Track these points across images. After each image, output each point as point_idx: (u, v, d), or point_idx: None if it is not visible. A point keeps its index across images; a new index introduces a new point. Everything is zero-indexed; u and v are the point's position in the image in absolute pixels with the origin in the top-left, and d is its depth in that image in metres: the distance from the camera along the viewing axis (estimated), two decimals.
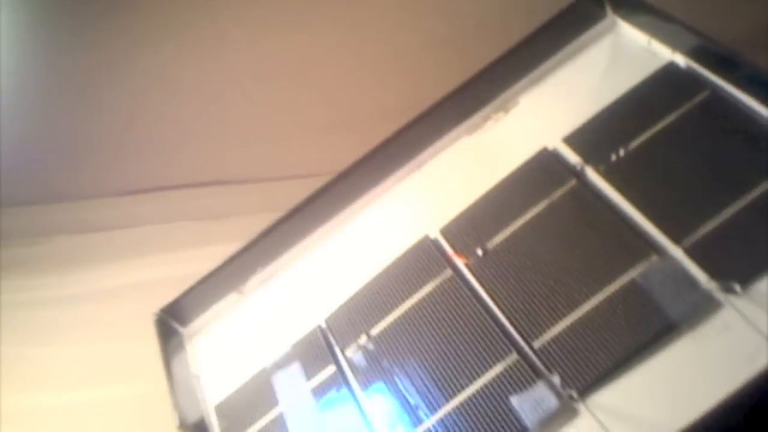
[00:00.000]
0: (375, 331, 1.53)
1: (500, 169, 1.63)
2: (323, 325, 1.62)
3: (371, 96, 1.73)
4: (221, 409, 1.62)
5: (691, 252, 1.35)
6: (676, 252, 1.37)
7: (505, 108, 1.76)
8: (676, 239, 1.38)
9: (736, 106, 1.50)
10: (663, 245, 1.38)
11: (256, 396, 1.60)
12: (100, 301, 2.20)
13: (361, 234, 1.74)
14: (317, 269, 1.74)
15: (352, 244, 1.73)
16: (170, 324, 1.74)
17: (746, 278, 1.28)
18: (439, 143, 1.76)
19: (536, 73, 1.76)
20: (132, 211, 2.37)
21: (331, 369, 1.53)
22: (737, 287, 1.26)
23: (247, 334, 1.73)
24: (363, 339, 1.54)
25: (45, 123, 2.29)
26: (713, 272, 1.30)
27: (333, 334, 1.59)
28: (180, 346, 1.75)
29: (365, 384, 1.48)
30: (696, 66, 1.58)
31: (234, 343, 1.74)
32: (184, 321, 1.76)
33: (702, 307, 1.28)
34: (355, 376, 1.50)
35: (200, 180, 2.29)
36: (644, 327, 1.31)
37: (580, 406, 1.28)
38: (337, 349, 1.57)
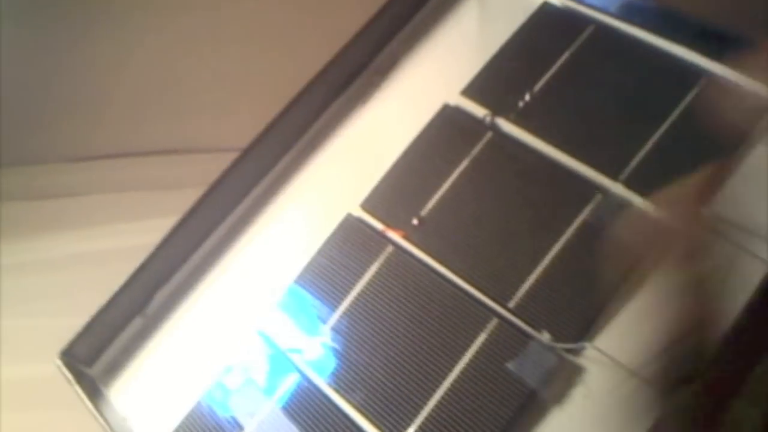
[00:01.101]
0: (329, 324, 1.31)
1: (401, 133, 1.46)
2: (263, 331, 1.37)
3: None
4: None
5: (630, 184, 1.29)
6: (616, 187, 1.30)
7: (384, 71, 1.58)
8: (612, 174, 1.30)
9: (621, 36, 1.43)
10: (601, 183, 1.31)
11: (209, 424, 1.31)
12: (48, 271, 1.98)
13: (270, 225, 1.48)
14: (233, 274, 1.46)
15: (264, 239, 1.47)
16: (76, 367, 1.47)
17: None
18: (327, 118, 1.54)
19: (407, 30, 1.59)
20: (82, 178, 2.13)
21: (293, 377, 1.29)
22: None
23: (166, 361, 1.40)
24: (318, 335, 1.32)
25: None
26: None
27: (280, 335, 1.35)
28: (94, 388, 1.47)
29: (338, 386, 1.27)
30: (571, 3, 1.52)
31: (153, 373, 1.40)
32: (89, 361, 1.49)
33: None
34: (323, 378, 1.28)
35: (154, 148, 2.05)
36: (615, 263, 1.22)
37: (579, 358, 1.19)
38: (292, 354, 1.32)
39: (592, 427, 1.14)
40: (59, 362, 1.34)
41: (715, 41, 1.35)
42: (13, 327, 1.86)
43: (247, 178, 1.47)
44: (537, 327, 1.22)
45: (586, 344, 1.17)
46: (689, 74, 1.35)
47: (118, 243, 1.78)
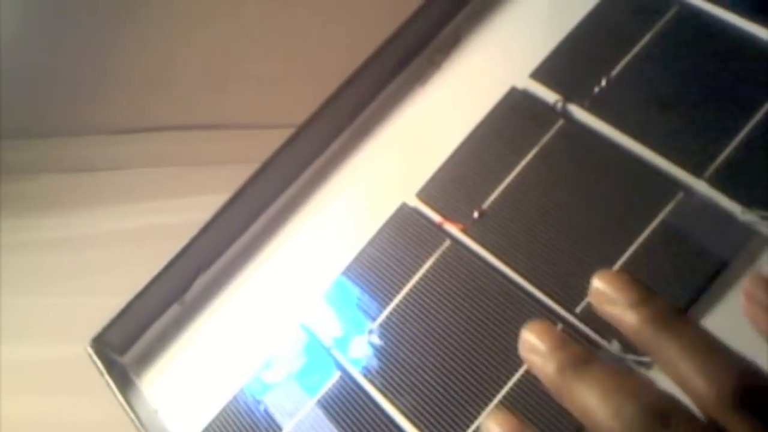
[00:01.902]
0: (377, 321, 1.25)
1: (462, 118, 1.37)
2: (306, 324, 1.30)
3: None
4: None
5: (715, 183, 1.19)
6: (700, 185, 1.20)
7: (446, 50, 1.49)
8: (696, 171, 1.21)
9: (708, 20, 1.32)
10: (683, 179, 1.21)
11: (244, 422, 1.27)
12: (86, 247, 1.93)
13: (319, 212, 1.41)
14: (278, 262, 1.39)
15: (312, 226, 1.40)
16: (107, 355, 1.42)
17: None
18: (383, 100, 1.45)
19: (473, 6, 1.49)
20: (125, 151, 2.08)
21: (336, 375, 1.23)
22: None
23: (203, 353, 1.34)
24: (366, 333, 1.26)
25: (38, 55, 1.98)
26: (746, 201, 1.16)
27: (324, 330, 1.29)
28: (125, 378, 1.42)
29: (384, 388, 1.20)
30: None
31: (188, 364, 1.35)
32: (122, 349, 1.44)
33: (746, 241, 1.14)
34: (369, 380, 1.21)
35: (199, 123, 2.01)
36: (695, 270, 1.14)
37: (650, 371, 1.08)
38: (336, 351, 1.26)
39: None
40: (90, 350, 1.29)
41: None
42: (48, 305, 1.84)
43: (297, 160, 1.41)
44: (606, 336, 1.13)
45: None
46: None
47: (158, 220, 1.76)
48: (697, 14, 1.33)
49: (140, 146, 2.08)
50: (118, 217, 1.97)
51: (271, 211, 1.41)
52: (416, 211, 1.32)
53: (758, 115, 1.22)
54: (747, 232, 1.15)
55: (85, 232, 1.98)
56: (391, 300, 1.25)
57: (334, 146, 1.43)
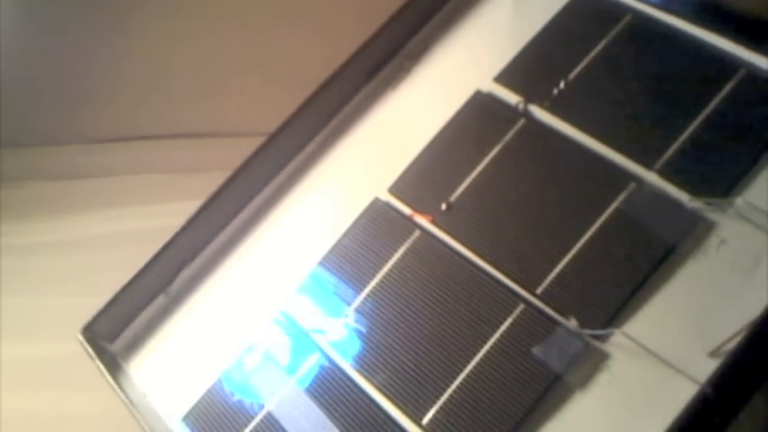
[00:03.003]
0: (353, 306, 1.38)
1: (431, 118, 1.52)
2: (286, 312, 1.43)
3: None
4: (191, 421, 1.39)
5: (665, 174, 1.34)
6: (650, 176, 1.35)
7: (415, 56, 1.64)
8: (647, 164, 1.36)
9: (659, 26, 1.48)
10: (635, 172, 1.36)
11: (229, 401, 1.38)
12: (72, 251, 2.08)
13: (296, 208, 1.55)
14: (258, 254, 1.53)
15: (290, 221, 1.54)
16: (98, 343, 1.53)
17: (725, 190, 1.30)
18: (356, 102, 1.61)
19: (440, 16, 1.66)
20: (107, 159, 2.23)
21: (315, 357, 1.35)
22: (721, 201, 1.28)
23: (187, 340, 1.47)
24: (342, 317, 1.38)
25: (22, 65, 2.12)
26: (693, 190, 1.31)
27: (303, 315, 1.42)
28: (115, 364, 1.52)
29: (360, 367, 1.33)
30: None
31: (174, 351, 1.47)
32: (111, 337, 1.54)
33: (693, 226, 1.28)
34: (345, 359, 1.34)
35: (179, 131, 2.15)
36: (644, 254, 1.28)
37: (605, 344, 1.24)
38: (315, 334, 1.38)
39: (616, 412, 1.19)
40: (81, 338, 1.41)
41: (755, 31, 1.39)
42: (37, 306, 1.97)
43: (274, 160, 1.55)
44: (565, 313, 1.28)
45: (615, 330, 1.22)
46: (727, 65, 1.41)
47: (142, 224, 1.88)
48: (649, 21, 1.50)
49: (127, 154, 2.21)
50: (106, 221, 2.10)
51: (251, 207, 1.55)
52: (388, 205, 1.46)
53: (704, 112, 1.37)
54: (693, 218, 1.30)
55: (75, 235, 2.11)
56: (365, 286, 1.39)
57: (311, 146, 1.58)
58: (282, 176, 1.56)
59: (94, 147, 2.24)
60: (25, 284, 2.04)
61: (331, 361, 1.35)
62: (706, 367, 1.17)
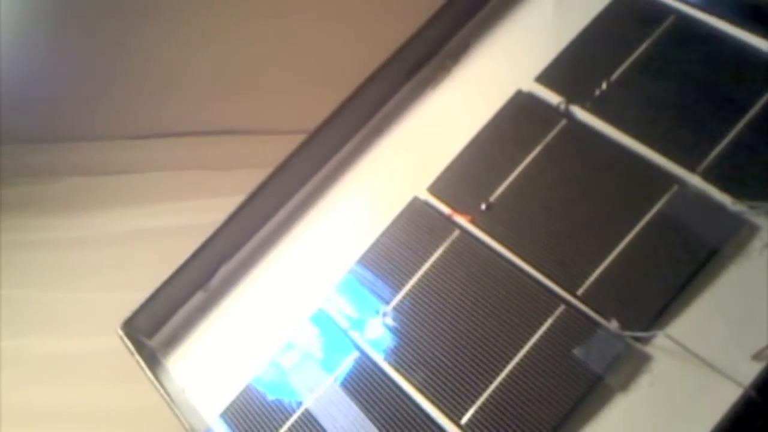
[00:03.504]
0: (391, 305, 1.40)
1: (471, 118, 1.55)
2: (324, 309, 1.46)
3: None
4: (229, 417, 1.42)
5: (708, 176, 1.35)
6: (693, 179, 1.36)
7: (456, 56, 1.67)
8: (690, 166, 1.37)
9: (703, 27, 1.50)
10: (678, 174, 1.38)
11: (267, 398, 1.41)
12: (106, 246, 2.14)
13: (336, 206, 1.59)
14: (297, 252, 1.56)
15: (329, 219, 1.58)
16: (137, 338, 1.56)
17: (763, 195, 1.30)
18: (397, 101, 1.64)
19: (481, 15, 1.68)
20: (143, 156, 2.29)
21: (353, 355, 1.38)
22: (764, 204, 1.29)
23: (226, 336, 1.51)
24: (380, 315, 1.41)
25: (59, 59, 2.20)
26: (736, 193, 1.32)
27: (341, 313, 1.45)
28: (154, 359, 1.54)
29: (398, 365, 1.35)
30: None
31: (213, 346, 1.50)
32: (150, 333, 1.58)
33: (736, 229, 1.30)
34: (384, 357, 1.37)
35: (214, 128, 2.21)
36: (687, 256, 1.30)
37: (646, 346, 1.25)
38: (353, 332, 1.41)
39: (658, 415, 1.21)
40: (121, 332, 1.45)
41: None
42: (73, 300, 2.03)
43: (313, 159, 1.59)
44: (606, 315, 1.29)
45: (657, 332, 1.24)
46: None
47: (177, 220, 1.93)
48: (693, 22, 1.51)
49: (162, 151, 2.27)
50: (141, 217, 2.15)
51: (290, 204, 1.58)
52: (427, 204, 1.49)
53: (749, 115, 1.39)
54: (737, 221, 1.31)
55: (109, 231, 2.16)
56: (404, 285, 1.41)
57: (350, 145, 1.61)
58: (321, 175, 1.59)
59: (130, 143, 2.31)
60: (60, 279, 2.10)
61: (369, 359, 1.38)
62: (749, 371, 1.19)
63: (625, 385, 1.24)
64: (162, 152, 2.27)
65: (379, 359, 1.38)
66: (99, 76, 2.23)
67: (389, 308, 1.41)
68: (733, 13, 1.49)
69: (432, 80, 1.64)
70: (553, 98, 1.52)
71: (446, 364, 1.33)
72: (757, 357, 1.23)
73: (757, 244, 1.30)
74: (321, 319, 1.45)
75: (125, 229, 2.14)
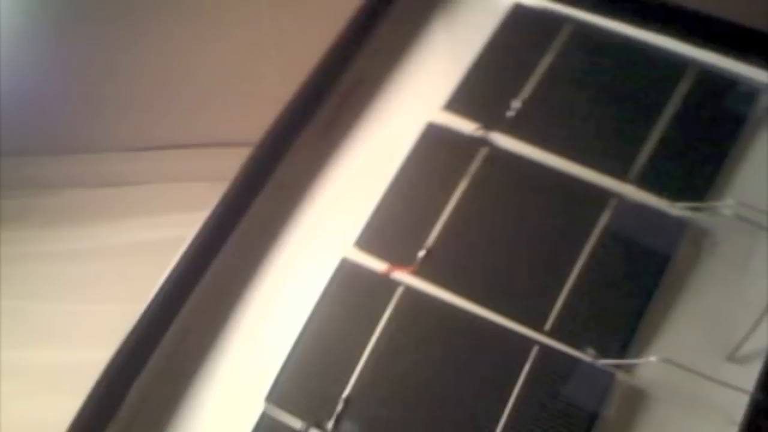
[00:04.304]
0: (344, 396, 1.29)
1: (386, 161, 1.48)
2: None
3: None
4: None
5: (641, 184, 1.38)
6: (627, 188, 1.39)
7: (349, 94, 1.59)
8: (621, 176, 1.39)
9: (603, 32, 1.54)
10: (611, 186, 1.39)
11: None
12: (106, 258, 2.13)
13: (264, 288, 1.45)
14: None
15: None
16: None
17: (703, 191, 1.37)
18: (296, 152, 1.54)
19: (370, 49, 1.62)
20: (143, 167, 2.28)
21: None
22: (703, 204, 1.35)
23: None
24: (340, 404, 1.28)
25: (57, 70, 2.23)
26: (673, 196, 1.36)
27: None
28: None
29: None
30: (545, 2, 1.60)
31: None
32: None
33: (682, 232, 1.34)
34: None
35: (215, 140, 2.16)
36: (644, 270, 1.32)
37: (635, 371, 1.26)
38: None
39: None
40: None
41: (699, 27, 1.46)
42: (74, 312, 2.04)
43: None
44: (579, 346, 1.28)
45: (651, 358, 1.24)
46: (678, 64, 1.47)
47: (177, 233, 1.85)
48: (592, 29, 1.55)
49: (158, 163, 2.28)
50: (139, 229, 2.15)
51: None
52: (358, 266, 1.40)
53: (666, 114, 1.43)
54: (681, 224, 1.35)
55: (105, 243, 2.17)
56: (354, 370, 1.31)
57: (254, 214, 1.50)
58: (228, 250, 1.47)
59: (130, 155, 2.30)
60: (61, 291, 2.11)
61: None
62: (729, 373, 1.23)
63: (623, 415, 1.23)
64: (162, 164, 2.29)
65: None
66: (97, 87, 2.26)
67: (346, 392, 1.30)
68: (630, 11, 1.53)
69: (331, 126, 1.57)
70: (466, 125, 1.48)
71: None
72: (730, 358, 1.27)
73: (705, 243, 1.34)
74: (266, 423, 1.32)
75: (126, 241, 2.15)
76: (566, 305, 1.31)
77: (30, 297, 2.12)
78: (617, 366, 1.25)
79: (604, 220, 1.35)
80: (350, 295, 1.39)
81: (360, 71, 1.60)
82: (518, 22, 1.58)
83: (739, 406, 1.20)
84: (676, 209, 1.35)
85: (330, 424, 1.29)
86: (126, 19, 2.22)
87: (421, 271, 1.38)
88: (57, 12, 2.24)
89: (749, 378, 1.22)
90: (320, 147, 1.53)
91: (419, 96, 1.54)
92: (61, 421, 1.55)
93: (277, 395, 1.33)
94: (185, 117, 2.28)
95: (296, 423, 1.31)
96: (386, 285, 1.38)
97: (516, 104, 1.47)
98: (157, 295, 1.39)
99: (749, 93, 1.43)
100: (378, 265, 1.41)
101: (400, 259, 1.40)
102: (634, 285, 1.31)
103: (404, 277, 1.39)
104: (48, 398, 1.87)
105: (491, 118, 1.48)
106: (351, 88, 1.60)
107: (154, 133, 2.33)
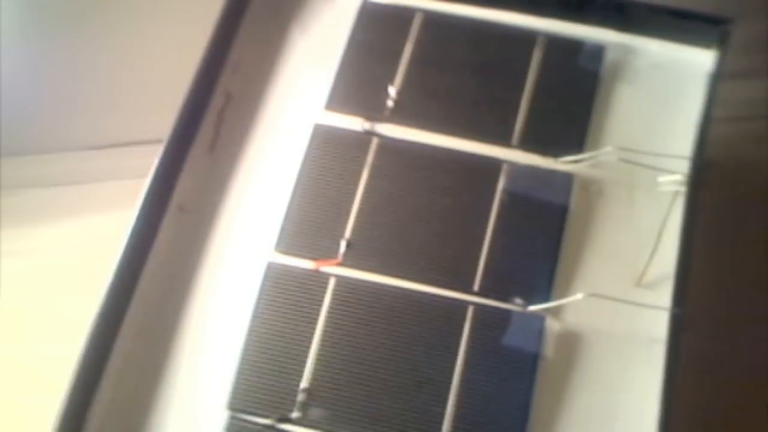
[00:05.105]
0: (301, 388, 1.38)
1: (281, 166, 1.58)
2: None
3: None
4: None
5: (525, 147, 1.57)
6: (514, 153, 1.57)
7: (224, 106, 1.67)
8: (505, 143, 1.58)
9: (451, 17, 1.72)
10: (499, 154, 1.57)
11: None
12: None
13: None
14: None
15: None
16: None
17: (579, 143, 1.57)
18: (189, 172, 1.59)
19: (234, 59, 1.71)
20: (111, 165, 2.37)
21: None
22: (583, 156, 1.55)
23: None
24: (300, 395, 1.37)
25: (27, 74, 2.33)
26: (554, 153, 1.56)
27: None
28: None
29: None
30: None
31: None
32: None
33: (571, 183, 1.53)
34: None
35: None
36: (547, 220, 1.51)
37: (561, 313, 1.43)
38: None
39: (607, 365, 1.40)
40: None
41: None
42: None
43: None
44: (508, 299, 1.44)
45: (579, 295, 1.41)
46: (527, 35, 1.68)
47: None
48: (440, 15, 1.72)
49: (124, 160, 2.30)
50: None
51: None
52: (286, 267, 1.49)
53: (529, 82, 1.62)
54: (568, 176, 1.55)
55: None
56: (306, 360, 1.40)
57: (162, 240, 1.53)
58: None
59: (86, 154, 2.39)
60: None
61: None
62: (642, 297, 1.43)
63: (562, 355, 1.41)
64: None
65: None
66: (65, 88, 2.33)
67: (301, 389, 1.38)
68: None
69: (213, 144, 1.63)
70: (351, 121, 1.61)
71: (393, 411, 1.36)
72: (638, 283, 1.47)
73: (593, 188, 1.55)
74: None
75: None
76: (487, 265, 1.47)
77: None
78: (546, 310, 1.43)
79: (501, 184, 1.53)
80: (285, 293, 1.47)
81: (227, 86, 1.69)
82: (371, 18, 1.72)
83: (656, 325, 1.41)
84: (559, 164, 1.55)
85: (296, 414, 1.37)
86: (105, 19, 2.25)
87: (347, 261, 1.49)
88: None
89: (660, 299, 1.43)
90: (210, 163, 1.61)
91: (296, 101, 1.65)
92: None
93: (237, 401, 1.39)
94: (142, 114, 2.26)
95: (263, 421, 1.38)
96: (317, 279, 1.48)
97: (392, 93, 1.62)
98: (88, 343, 1.38)
99: (596, 51, 1.66)
100: (304, 263, 1.50)
101: (323, 255, 1.50)
102: (542, 236, 1.50)
103: (332, 269, 1.49)
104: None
105: (372, 110, 1.62)
106: (224, 104, 1.68)
107: (114, 131, 2.39)
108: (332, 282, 1.47)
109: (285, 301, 1.46)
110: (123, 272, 1.45)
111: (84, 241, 2.22)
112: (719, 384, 1.86)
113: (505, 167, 1.54)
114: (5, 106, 2.30)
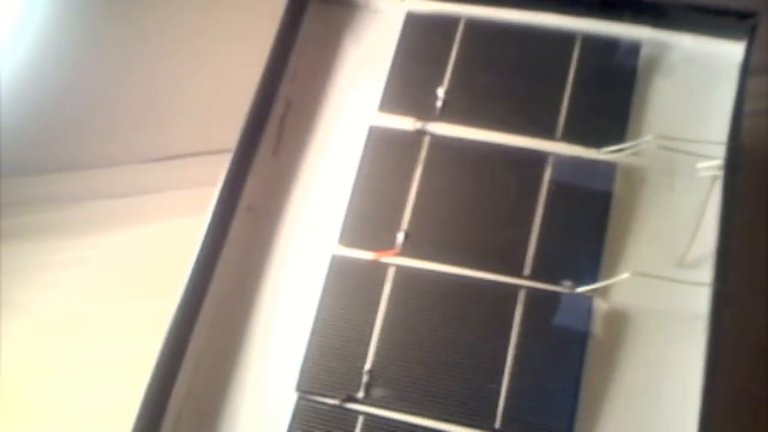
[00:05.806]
0: (366, 368, 1.52)
1: (338, 166, 1.74)
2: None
3: None
4: None
5: (568, 139, 1.69)
6: (558, 146, 1.69)
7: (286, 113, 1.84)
8: (550, 136, 1.70)
9: (491, 22, 1.84)
10: (544, 147, 1.69)
11: None
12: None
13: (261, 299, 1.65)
14: None
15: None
16: None
17: (621, 135, 1.68)
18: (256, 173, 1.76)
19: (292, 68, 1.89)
20: (167, 176, 2.45)
21: None
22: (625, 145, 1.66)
23: None
24: (365, 376, 1.51)
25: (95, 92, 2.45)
26: (595, 144, 1.67)
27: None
28: None
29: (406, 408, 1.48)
30: (433, 4, 1.89)
31: None
32: None
33: (614, 172, 1.64)
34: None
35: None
36: (592, 206, 1.62)
37: (607, 294, 1.55)
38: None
39: (653, 341, 1.51)
40: None
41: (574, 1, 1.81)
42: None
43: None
44: (557, 281, 1.56)
45: (625, 275, 1.53)
46: (565, 36, 1.80)
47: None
48: (480, 20, 1.85)
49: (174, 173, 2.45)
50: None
51: None
52: (348, 259, 1.64)
53: (569, 79, 1.74)
54: (611, 165, 1.66)
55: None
56: (369, 344, 1.54)
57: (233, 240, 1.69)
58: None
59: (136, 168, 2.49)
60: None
61: None
62: (684, 276, 1.54)
63: (610, 333, 1.52)
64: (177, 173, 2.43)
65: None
66: (109, 105, 2.47)
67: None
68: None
69: (277, 147, 1.79)
70: (403, 122, 1.75)
71: (451, 390, 1.49)
72: (680, 264, 1.57)
73: (635, 177, 1.66)
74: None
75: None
76: (537, 250, 1.60)
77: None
78: (594, 291, 1.55)
79: (547, 175, 1.66)
80: (348, 283, 1.62)
81: (286, 94, 1.85)
82: (417, 27, 1.86)
83: (699, 302, 1.53)
84: (602, 154, 1.67)
85: (360, 394, 1.52)
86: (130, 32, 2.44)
87: (404, 252, 1.63)
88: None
89: (702, 277, 1.54)
90: (275, 166, 1.76)
91: (351, 105, 1.81)
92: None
93: (305, 383, 1.54)
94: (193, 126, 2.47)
95: (330, 401, 1.53)
96: (378, 268, 1.62)
97: (441, 94, 1.75)
98: (168, 334, 1.55)
99: (633, 47, 1.78)
100: (365, 254, 1.65)
101: (382, 246, 1.64)
102: (588, 222, 1.62)
103: (392, 259, 1.63)
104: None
105: (423, 110, 1.75)
106: (284, 111, 1.83)
107: (162, 145, 2.51)
108: (391, 271, 1.61)
109: (348, 290, 1.61)
110: (199, 268, 1.62)
111: (149, 248, 2.34)
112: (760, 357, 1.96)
113: (550, 159, 1.67)
114: (71, 123, 2.47)
